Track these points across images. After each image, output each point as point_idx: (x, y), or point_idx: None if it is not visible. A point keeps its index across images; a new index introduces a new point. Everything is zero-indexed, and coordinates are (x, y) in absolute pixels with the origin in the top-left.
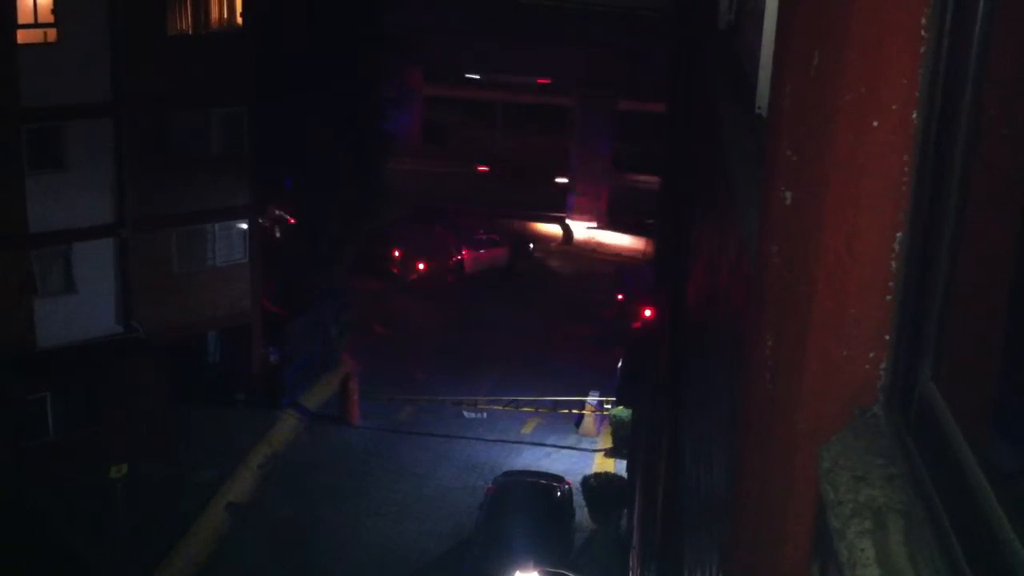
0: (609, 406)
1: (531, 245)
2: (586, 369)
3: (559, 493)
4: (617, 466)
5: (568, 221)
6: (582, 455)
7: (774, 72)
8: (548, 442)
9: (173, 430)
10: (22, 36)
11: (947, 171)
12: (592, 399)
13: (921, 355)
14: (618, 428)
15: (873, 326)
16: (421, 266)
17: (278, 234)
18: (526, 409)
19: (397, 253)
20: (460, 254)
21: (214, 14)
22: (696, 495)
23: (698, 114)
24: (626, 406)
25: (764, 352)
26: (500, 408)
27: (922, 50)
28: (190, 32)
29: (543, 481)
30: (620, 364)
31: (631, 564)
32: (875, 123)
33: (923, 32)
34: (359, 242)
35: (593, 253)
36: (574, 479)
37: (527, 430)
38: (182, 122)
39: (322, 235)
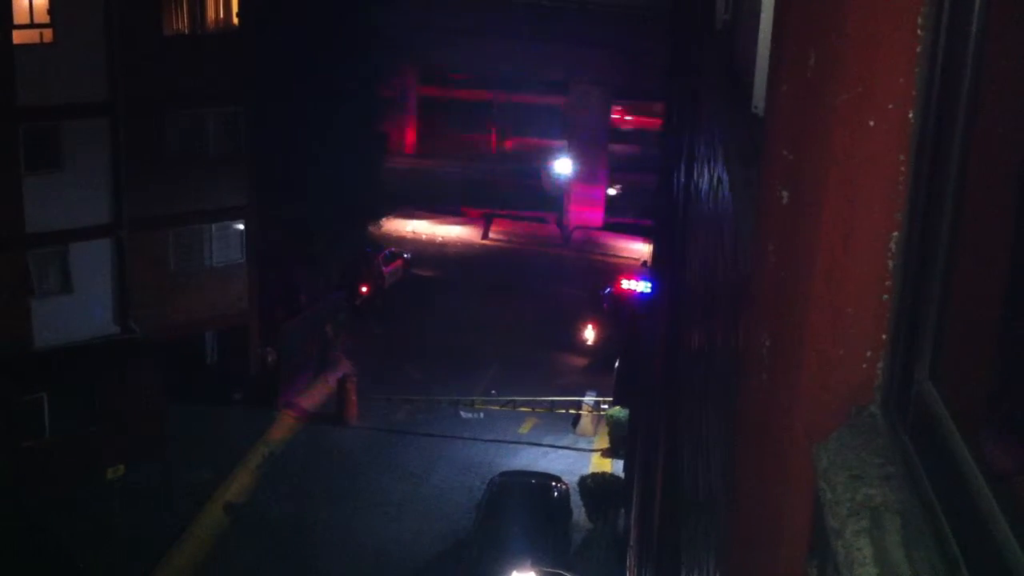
0: (606, 406)
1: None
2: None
3: (556, 493)
4: (614, 466)
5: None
6: (579, 455)
7: (770, 71)
8: (545, 442)
9: (170, 430)
10: (18, 37)
11: (944, 170)
12: (589, 399)
13: (918, 354)
14: (615, 428)
15: (870, 325)
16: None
17: None
18: (523, 409)
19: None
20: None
21: (210, 14)
22: (693, 494)
23: (695, 113)
24: (623, 406)
25: (760, 351)
26: (497, 408)
27: (919, 49)
28: (186, 32)
29: (540, 481)
30: (617, 364)
31: (628, 564)
32: (871, 122)
33: (919, 31)
34: (356, 242)
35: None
36: (571, 479)
37: (524, 430)
38: (179, 122)
39: (318, 235)
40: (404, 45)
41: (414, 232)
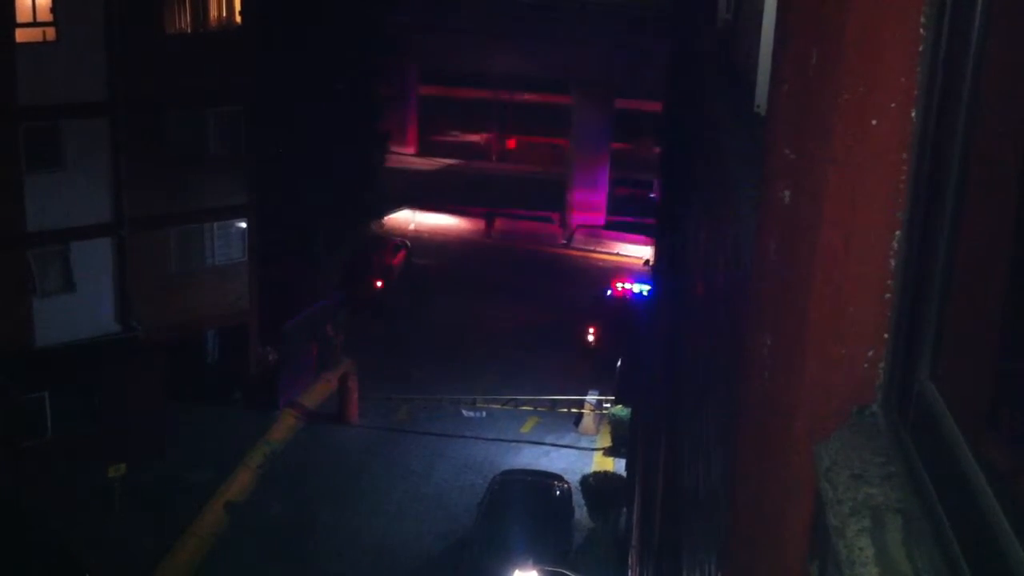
0: (608, 405)
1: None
2: None
3: (558, 492)
4: (616, 465)
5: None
6: (581, 454)
7: (772, 71)
8: (547, 441)
9: (171, 429)
10: (20, 35)
11: (945, 170)
12: (591, 398)
13: (919, 354)
14: (617, 427)
15: (871, 325)
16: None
17: None
18: (525, 408)
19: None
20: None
21: (213, 13)
22: (695, 494)
23: (697, 112)
24: (625, 405)
25: (762, 351)
26: (499, 407)
27: (920, 49)
28: (188, 31)
29: (542, 480)
30: (619, 363)
31: (630, 563)
32: (873, 122)
33: (921, 31)
34: (356, 241)
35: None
36: (573, 478)
37: (526, 429)
38: (180, 121)
39: (318, 234)
40: (405, 44)
41: (416, 229)
